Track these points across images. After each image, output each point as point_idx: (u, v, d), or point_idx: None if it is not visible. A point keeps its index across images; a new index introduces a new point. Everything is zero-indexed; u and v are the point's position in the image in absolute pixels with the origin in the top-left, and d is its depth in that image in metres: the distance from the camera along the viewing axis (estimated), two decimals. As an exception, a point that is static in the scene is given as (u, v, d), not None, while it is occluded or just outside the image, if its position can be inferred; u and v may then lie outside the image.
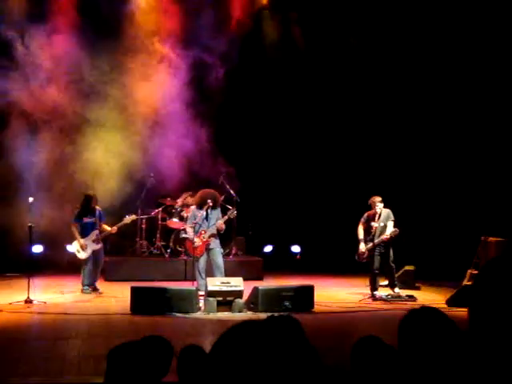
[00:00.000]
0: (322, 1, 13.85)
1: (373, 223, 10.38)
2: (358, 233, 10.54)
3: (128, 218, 10.93)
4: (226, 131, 13.55)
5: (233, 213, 10.53)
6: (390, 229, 10.27)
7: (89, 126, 12.84)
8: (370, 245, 10.37)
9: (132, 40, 13.12)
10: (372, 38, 13.66)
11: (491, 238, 11.01)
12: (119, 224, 10.82)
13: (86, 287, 10.42)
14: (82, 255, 10.44)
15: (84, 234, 10.52)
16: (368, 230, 10.45)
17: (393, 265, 10.52)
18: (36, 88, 12.41)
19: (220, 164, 13.11)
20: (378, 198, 10.40)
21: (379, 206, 10.35)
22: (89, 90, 12.84)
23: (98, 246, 10.56)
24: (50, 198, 12.05)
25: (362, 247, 10.44)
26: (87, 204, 10.57)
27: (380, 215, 10.38)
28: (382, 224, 10.35)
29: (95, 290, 10.52)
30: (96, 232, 10.56)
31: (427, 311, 2.28)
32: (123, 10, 13.15)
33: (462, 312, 8.19)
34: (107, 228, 10.73)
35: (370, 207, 10.46)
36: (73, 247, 10.50)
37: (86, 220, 10.58)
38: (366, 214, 10.53)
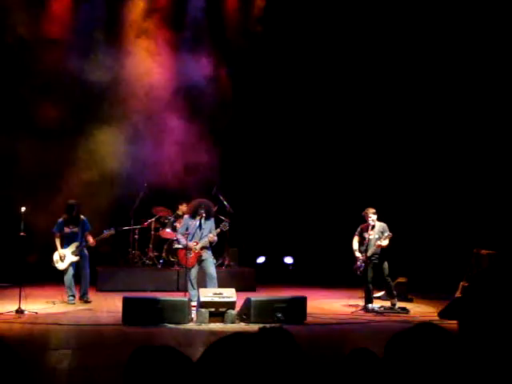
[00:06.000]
0: (316, 9, 13.92)
1: (365, 234, 10.40)
2: (353, 244, 10.55)
3: (106, 233, 10.73)
4: (221, 144, 13.54)
5: (225, 225, 10.50)
6: (386, 241, 10.28)
7: (82, 133, 12.80)
8: (364, 256, 10.37)
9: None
10: (370, 45, 13.72)
11: (483, 251, 11.04)
12: (97, 238, 10.65)
13: (71, 298, 10.37)
14: (60, 266, 10.38)
15: (65, 245, 10.43)
16: (362, 242, 10.48)
17: (388, 278, 10.54)
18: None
19: (214, 174, 13.11)
20: (372, 210, 10.42)
21: (372, 218, 10.37)
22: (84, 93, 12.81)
23: (75, 259, 10.42)
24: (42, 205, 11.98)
25: (359, 255, 10.44)
26: (69, 213, 10.43)
27: (373, 227, 10.41)
28: (376, 236, 10.35)
29: (86, 301, 10.47)
30: (76, 244, 10.44)
31: (424, 328, 2.26)
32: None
33: (454, 325, 8.18)
34: (90, 239, 10.56)
35: (364, 219, 10.48)
36: (54, 257, 10.45)
37: (67, 230, 10.45)
38: (359, 227, 10.56)
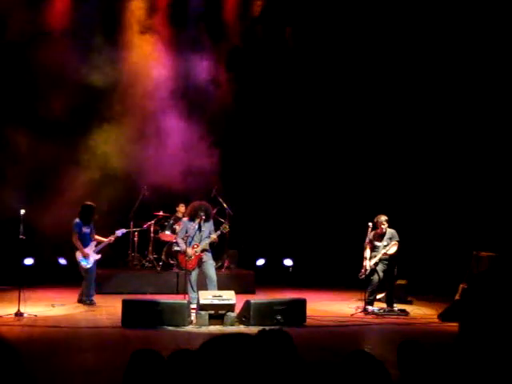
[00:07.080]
0: (315, 10, 13.90)
1: (376, 243, 10.40)
2: (365, 253, 10.47)
3: (119, 232, 10.90)
4: (220, 145, 13.54)
5: (226, 228, 10.51)
6: (393, 249, 10.28)
7: (82, 133, 12.79)
8: (373, 262, 10.35)
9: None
10: (368, 45, 13.71)
11: (483, 253, 11.04)
12: (112, 236, 10.80)
13: (90, 297, 10.43)
14: (87, 264, 10.45)
15: (83, 245, 10.52)
16: (373, 249, 10.46)
17: (393, 283, 10.56)
18: None
19: (213, 177, 13.11)
20: (384, 217, 10.38)
21: (384, 226, 10.34)
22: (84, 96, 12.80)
23: (99, 256, 10.61)
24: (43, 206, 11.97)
25: (366, 265, 10.37)
26: (87, 214, 10.53)
27: (384, 235, 10.40)
28: (385, 243, 10.38)
29: (92, 302, 10.50)
30: (94, 242, 10.62)
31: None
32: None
33: (454, 327, 8.19)
34: (103, 239, 10.71)
35: (375, 226, 10.45)
36: (77, 257, 10.49)
37: (85, 230, 10.58)
38: (371, 234, 10.48)
